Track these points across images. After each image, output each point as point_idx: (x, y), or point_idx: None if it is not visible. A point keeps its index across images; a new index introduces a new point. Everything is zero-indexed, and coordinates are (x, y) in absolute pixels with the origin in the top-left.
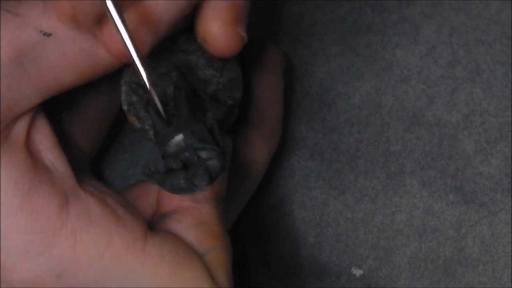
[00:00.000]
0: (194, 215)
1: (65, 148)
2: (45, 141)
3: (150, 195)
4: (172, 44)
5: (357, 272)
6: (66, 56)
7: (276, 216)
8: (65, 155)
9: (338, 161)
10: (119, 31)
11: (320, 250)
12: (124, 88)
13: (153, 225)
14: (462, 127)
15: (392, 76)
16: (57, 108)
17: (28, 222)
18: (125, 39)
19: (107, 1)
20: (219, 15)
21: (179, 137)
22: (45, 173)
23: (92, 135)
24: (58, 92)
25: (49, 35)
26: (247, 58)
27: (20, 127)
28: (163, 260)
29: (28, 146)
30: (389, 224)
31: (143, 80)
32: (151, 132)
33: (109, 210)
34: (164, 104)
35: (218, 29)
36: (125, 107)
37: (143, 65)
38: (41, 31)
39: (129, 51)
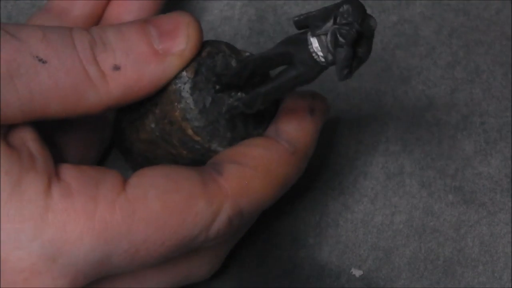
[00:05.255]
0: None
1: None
2: (28, 135)
3: None
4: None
5: (357, 272)
6: (57, 87)
7: (275, 216)
8: (47, 148)
9: (338, 161)
10: None
11: (320, 251)
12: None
13: None
14: (461, 128)
15: (391, 77)
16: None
17: (17, 210)
18: None
19: None
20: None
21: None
22: (30, 161)
23: (80, 150)
24: (40, 119)
25: (44, 61)
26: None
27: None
28: (148, 196)
29: (10, 139)
30: (388, 225)
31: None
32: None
33: (87, 177)
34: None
35: None
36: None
37: None
38: (37, 57)
39: None
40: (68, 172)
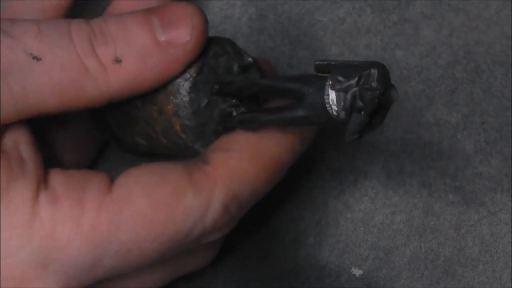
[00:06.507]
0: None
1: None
2: (21, 138)
3: None
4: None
5: (357, 272)
6: (53, 83)
7: (276, 216)
8: (40, 152)
9: (338, 161)
10: None
11: (320, 250)
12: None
13: None
14: (462, 127)
15: (391, 76)
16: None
17: (6, 219)
18: None
19: None
20: None
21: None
22: (20, 167)
23: (75, 150)
24: (37, 116)
25: (38, 59)
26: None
27: None
28: (134, 194)
29: (2, 142)
30: (388, 224)
31: None
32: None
33: (74, 181)
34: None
35: None
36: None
37: None
38: (30, 54)
39: None
40: (55, 177)
